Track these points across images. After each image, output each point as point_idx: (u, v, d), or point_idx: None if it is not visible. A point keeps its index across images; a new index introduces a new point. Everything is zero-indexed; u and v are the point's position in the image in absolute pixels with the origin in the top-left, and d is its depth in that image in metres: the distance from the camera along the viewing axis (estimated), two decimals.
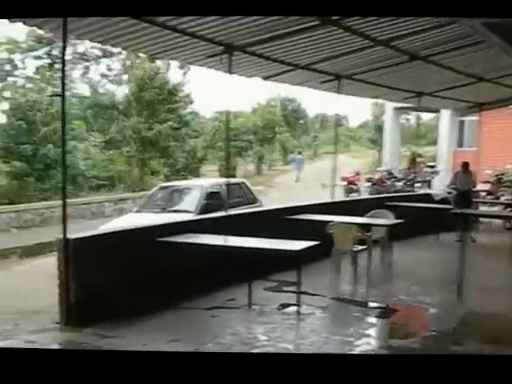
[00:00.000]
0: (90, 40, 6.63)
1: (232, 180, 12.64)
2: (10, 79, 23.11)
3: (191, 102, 27.70)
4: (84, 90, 26.81)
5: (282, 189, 23.94)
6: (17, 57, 23.72)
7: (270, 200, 14.81)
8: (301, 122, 44.19)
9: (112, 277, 5.52)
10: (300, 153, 32.61)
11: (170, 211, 9.77)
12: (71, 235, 5.50)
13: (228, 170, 13.73)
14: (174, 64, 26.44)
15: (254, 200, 11.15)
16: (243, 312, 6.05)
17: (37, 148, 16.97)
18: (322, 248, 6.24)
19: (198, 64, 7.62)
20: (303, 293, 6.05)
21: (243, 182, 11.70)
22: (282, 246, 5.77)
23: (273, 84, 29.88)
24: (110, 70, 27.44)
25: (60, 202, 14.91)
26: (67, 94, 25.80)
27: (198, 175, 25.04)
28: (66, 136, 5.86)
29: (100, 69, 27.44)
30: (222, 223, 7.24)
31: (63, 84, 5.83)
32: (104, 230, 7.15)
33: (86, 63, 26.39)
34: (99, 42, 6.69)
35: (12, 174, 16.83)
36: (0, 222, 13.62)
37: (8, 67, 23.14)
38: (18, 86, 21.64)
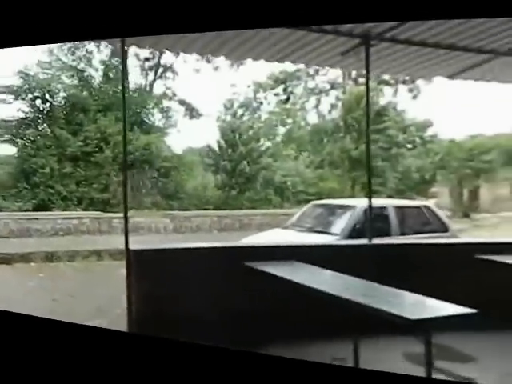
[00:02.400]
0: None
1: (407, 202, 11.89)
2: (256, 114, 29.41)
3: (429, 125, 28.42)
4: (313, 118, 32.08)
5: None
6: (261, 95, 30.33)
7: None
8: None
9: (173, 299, 5.03)
10: None
11: (314, 231, 9.27)
12: (135, 246, 5.39)
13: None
14: (403, 88, 28.90)
15: (441, 228, 9.55)
16: None
17: (236, 164, 21.28)
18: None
19: (328, 64, 6.98)
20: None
21: (426, 206, 10.22)
22: (396, 309, 3.79)
23: None
24: (338, 99, 32.29)
25: (260, 211, 20.60)
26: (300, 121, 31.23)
27: (426, 197, 23.92)
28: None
29: (329, 100, 32.26)
30: (364, 253, 6.08)
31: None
32: (196, 245, 6.62)
33: (317, 96, 31.89)
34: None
35: (218, 186, 21.82)
36: (204, 224, 17.69)
37: (254, 104, 30.17)
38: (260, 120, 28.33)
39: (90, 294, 8.71)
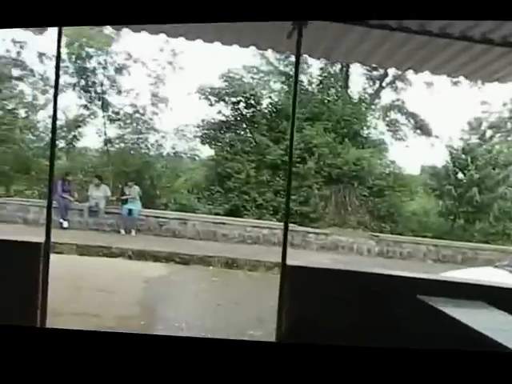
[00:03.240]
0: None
1: None
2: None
3: None
4: None
5: None
6: None
7: None
8: None
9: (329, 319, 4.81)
10: None
11: None
12: (293, 262, 5.40)
13: None
14: None
15: None
16: None
17: (465, 191, 18.20)
18: None
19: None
20: None
21: None
22: None
23: None
24: None
25: (492, 246, 16.88)
26: None
27: None
28: None
29: None
30: None
31: None
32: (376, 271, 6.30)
33: None
34: None
35: (441, 213, 18.89)
36: (418, 252, 15.77)
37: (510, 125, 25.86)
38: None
39: (256, 304, 8.30)
